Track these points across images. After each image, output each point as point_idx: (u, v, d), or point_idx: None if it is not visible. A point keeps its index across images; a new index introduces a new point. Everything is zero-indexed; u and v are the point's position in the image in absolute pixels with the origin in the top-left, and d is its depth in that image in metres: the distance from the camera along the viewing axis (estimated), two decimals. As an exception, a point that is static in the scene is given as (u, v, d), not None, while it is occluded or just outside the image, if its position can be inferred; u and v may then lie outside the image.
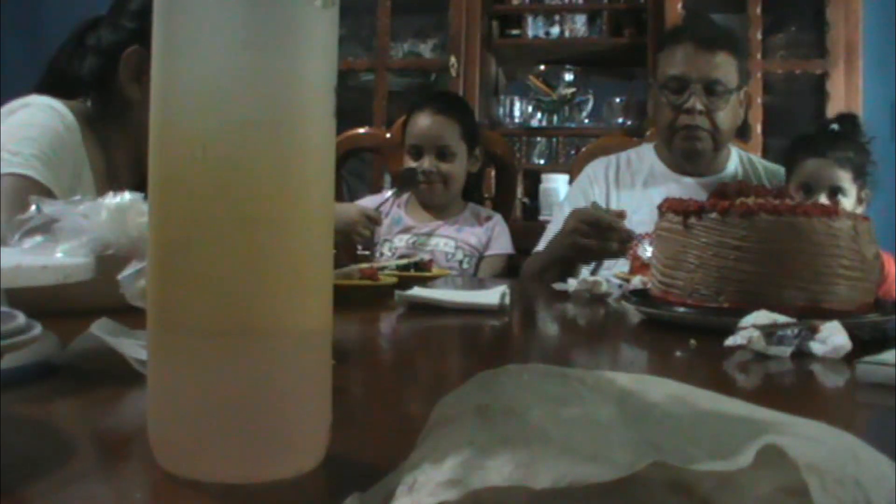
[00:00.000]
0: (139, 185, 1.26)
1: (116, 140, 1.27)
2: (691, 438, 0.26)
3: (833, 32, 2.53)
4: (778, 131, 2.56)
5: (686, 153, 1.80)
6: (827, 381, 0.65)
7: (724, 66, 1.74)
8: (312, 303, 0.35)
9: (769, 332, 0.71)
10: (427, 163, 1.97)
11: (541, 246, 1.82)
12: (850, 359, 0.65)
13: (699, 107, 1.73)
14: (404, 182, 1.98)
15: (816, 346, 0.69)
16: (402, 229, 2.01)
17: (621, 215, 1.50)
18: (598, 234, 1.46)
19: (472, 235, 2.00)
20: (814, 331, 0.70)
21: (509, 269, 2.00)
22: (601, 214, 1.50)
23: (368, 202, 2.01)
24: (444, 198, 2.02)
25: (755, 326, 0.72)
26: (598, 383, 0.31)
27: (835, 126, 1.78)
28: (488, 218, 2.05)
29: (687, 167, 1.84)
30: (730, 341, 0.72)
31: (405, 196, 2.05)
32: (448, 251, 1.97)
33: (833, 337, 0.69)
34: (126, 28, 1.23)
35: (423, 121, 1.99)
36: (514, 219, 2.31)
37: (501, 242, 2.02)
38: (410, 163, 2.00)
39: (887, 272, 1.51)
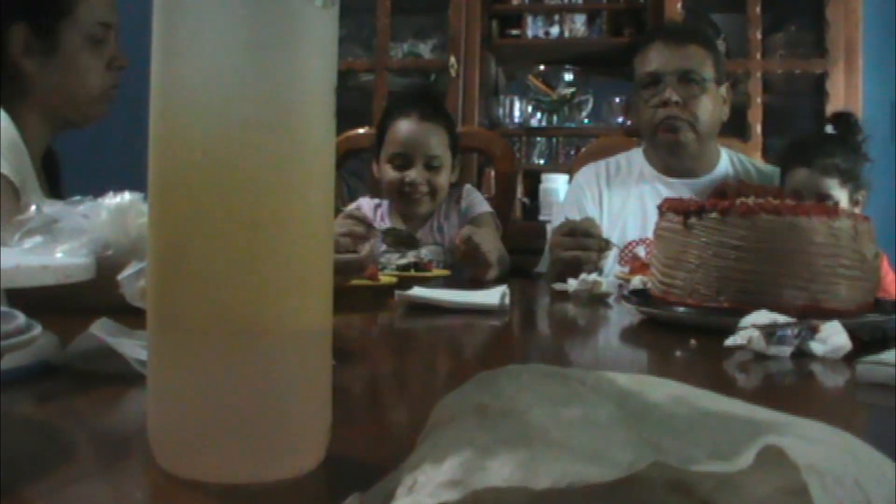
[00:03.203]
0: (44, 157, 1.31)
1: (20, 112, 1.25)
2: (691, 439, 0.26)
3: (833, 32, 2.53)
4: (778, 131, 2.57)
5: (668, 146, 1.79)
6: (827, 381, 0.65)
7: (696, 58, 1.75)
8: (312, 303, 0.35)
9: (769, 332, 0.71)
10: (415, 173, 1.82)
11: (542, 266, 1.81)
12: (850, 359, 0.65)
13: (675, 98, 1.73)
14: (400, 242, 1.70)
15: (816, 346, 0.69)
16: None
17: (594, 226, 1.54)
18: (577, 243, 1.50)
19: (454, 226, 1.88)
20: (814, 331, 0.71)
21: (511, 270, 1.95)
22: (575, 223, 1.55)
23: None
24: (429, 208, 1.89)
25: (755, 326, 0.72)
26: (598, 383, 0.31)
27: (829, 127, 1.79)
28: (459, 198, 1.93)
29: (673, 165, 1.83)
30: (730, 341, 0.72)
31: (385, 205, 1.94)
32: (437, 259, 1.83)
33: (833, 337, 0.69)
34: (8, 5, 1.23)
35: (409, 127, 1.84)
36: (514, 219, 2.30)
37: (477, 206, 1.91)
38: (391, 172, 1.84)
39: (885, 272, 1.52)
